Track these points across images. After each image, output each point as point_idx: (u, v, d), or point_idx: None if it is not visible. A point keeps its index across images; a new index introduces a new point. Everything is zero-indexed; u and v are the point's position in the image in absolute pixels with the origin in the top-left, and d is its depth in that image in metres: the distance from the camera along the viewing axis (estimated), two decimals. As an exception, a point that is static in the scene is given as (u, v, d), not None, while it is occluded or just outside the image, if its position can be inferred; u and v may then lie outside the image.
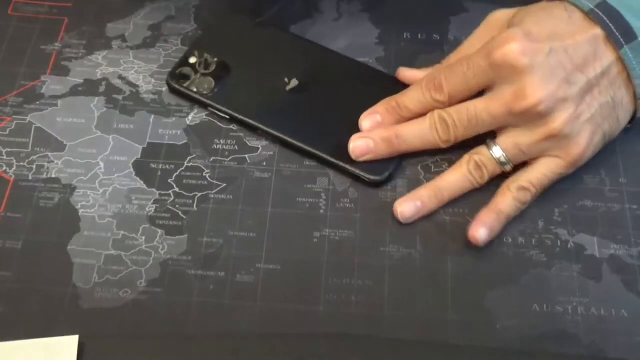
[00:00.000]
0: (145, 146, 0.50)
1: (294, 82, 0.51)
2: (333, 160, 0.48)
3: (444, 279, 0.45)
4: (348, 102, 0.50)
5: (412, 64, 0.52)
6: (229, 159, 0.49)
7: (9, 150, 0.49)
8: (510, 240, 0.46)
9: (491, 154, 0.46)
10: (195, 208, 0.47)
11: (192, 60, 0.52)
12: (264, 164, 0.49)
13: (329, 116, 0.50)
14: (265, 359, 0.42)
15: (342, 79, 0.52)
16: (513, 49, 0.44)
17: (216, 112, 0.50)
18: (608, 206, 0.47)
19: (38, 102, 0.51)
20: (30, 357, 0.41)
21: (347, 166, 0.48)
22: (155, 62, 0.53)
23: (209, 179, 0.48)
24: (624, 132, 0.50)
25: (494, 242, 0.46)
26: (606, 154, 0.49)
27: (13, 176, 0.48)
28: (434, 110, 0.47)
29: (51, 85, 0.52)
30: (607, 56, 0.45)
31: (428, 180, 0.48)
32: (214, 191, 0.48)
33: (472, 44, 0.48)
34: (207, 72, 0.52)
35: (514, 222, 0.47)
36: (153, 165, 0.49)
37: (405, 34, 0.55)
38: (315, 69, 0.52)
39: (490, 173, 0.47)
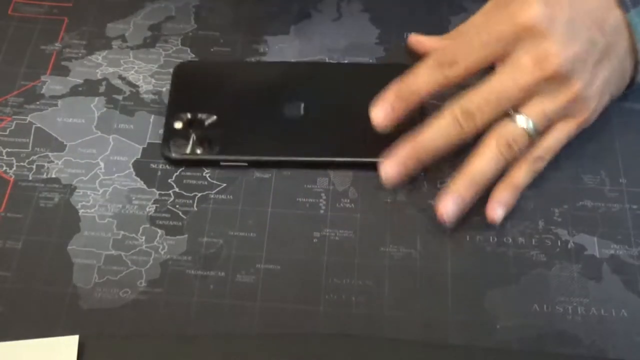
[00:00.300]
0: (145, 146, 0.50)
1: (288, 106, 0.50)
2: (367, 160, 0.48)
3: (444, 279, 0.45)
4: (351, 102, 0.50)
5: (412, 64, 0.52)
6: (229, 159, 0.49)
7: (9, 150, 0.49)
8: (510, 240, 0.46)
9: (520, 127, 0.44)
10: (195, 208, 0.47)
11: (178, 125, 0.49)
12: (264, 164, 0.49)
13: (340, 123, 0.50)
14: (265, 359, 0.42)
15: (333, 85, 0.52)
16: (535, 12, 0.43)
17: (231, 164, 0.48)
18: (608, 206, 0.47)
19: (38, 102, 0.51)
20: (30, 357, 0.41)
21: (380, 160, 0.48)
22: (155, 62, 0.53)
23: (209, 179, 0.48)
24: (624, 131, 0.50)
25: (494, 242, 0.46)
26: (606, 154, 0.49)
27: (13, 176, 0.48)
28: (451, 104, 0.45)
29: (51, 85, 0.52)
30: (619, 20, 0.45)
31: (429, 180, 0.48)
32: (214, 191, 0.48)
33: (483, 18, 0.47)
34: (199, 129, 0.49)
35: (514, 222, 0.47)
36: (153, 165, 0.49)
37: (405, 34, 0.55)
38: (301, 85, 0.52)
39: (520, 148, 0.45)
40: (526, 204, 0.47)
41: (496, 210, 0.45)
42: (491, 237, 0.46)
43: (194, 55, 0.54)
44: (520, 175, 0.46)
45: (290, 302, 0.44)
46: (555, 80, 0.44)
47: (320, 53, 0.54)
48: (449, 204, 0.45)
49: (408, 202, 0.47)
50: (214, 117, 0.49)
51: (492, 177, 0.45)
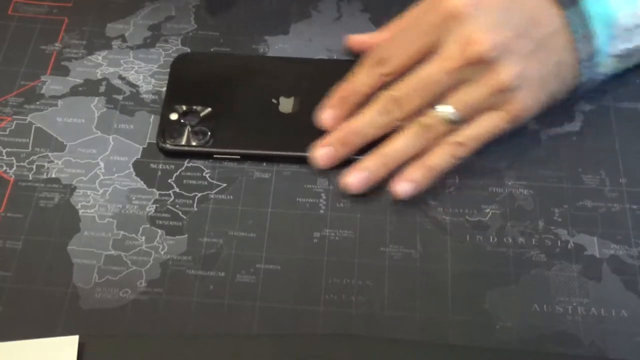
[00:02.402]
0: (145, 146, 0.50)
1: (283, 101, 0.51)
2: (361, 156, 0.48)
3: (444, 279, 0.45)
4: None
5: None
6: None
7: (9, 150, 0.49)
8: (510, 240, 0.46)
9: (440, 115, 0.46)
10: (195, 208, 0.47)
11: (174, 116, 0.50)
12: (264, 164, 0.49)
13: None
14: (265, 359, 0.42)
15: (329, 81, 0.51)
16: None
17: (224, 156, 0.49)
18: (608, 206, 0.47)
19: (38, 102, 0.51)
20: (30, 357, 0.41)
21: None
22: (155, 62, 0.53)
23: (209, 179, 0.48)
24: (624, 131, 0.50)
25: (494, 242, 0.46)
26: (606, 154, 0.49)
27: (13, 176, 0.48)
28: (381, 92, 0.47)
29: (51, 85, 0.52)
30: (558, 18, 0.46)
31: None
32: (214, 191, 0.48)
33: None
34: (194, 121, 0.49)
35: (514, 222, 0.47)
36: (153, 165, 0.49)
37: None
38: (297, 80, 0.52)
39: (439, 134, 0.46)
40: (526, 204, 0.47)
41: (398, 185, 0.46)
42: (491, 237, 0.46)
43: (194, 55, 0.54)
44: (435, 156, 0.46)
45: (290, 302, 0.44)
46: (479, 66, 0.44)
47: (320, 53, 0.54)
48: (355, 177, 0.47)
49: (408, 202, 0.47)
50: (210, 110, 0.50)
51: (406, 157, 0.47)
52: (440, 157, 0.46)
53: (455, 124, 0.46)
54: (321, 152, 0.48)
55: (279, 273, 0.45)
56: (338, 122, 0.48)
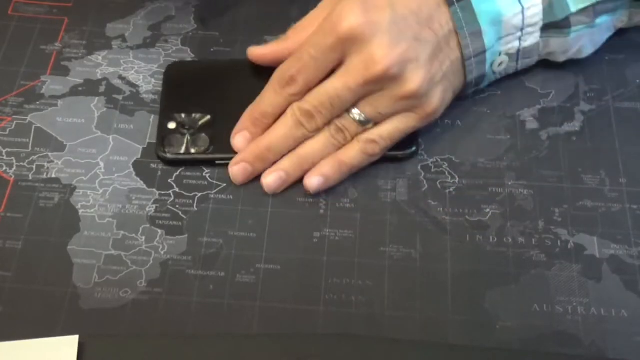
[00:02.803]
0: (145, 146, 0.50)
1: None
2: None
3: (444, 279, 0.45)
4: None
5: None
6: (229, 159, 0.49)
7: (9, 150, 0.49)
8: (510, 240, 0.46)
9: (351, 117, 0.46)
10: (195, 208, 0.47)
11: (172, 125, 0.49)
12: (264, 164, 0.49)
13: None
14: (265, 359, 0.42)
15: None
16: (354, 21, 0.44)
17: (226, 162, 0.48)
18: (608, 206, 0.47)
19: (38, 102, 0.51)
20: (30, 357, 0.41)
21: None
22: (155, 62, 0.53)
23: (209, 179, 0.48)
24: (624, 131, 0.50)
25: (494, 242, 0.46)
26: (606, 154, 0.49)
27: (13, 176, 0.48)
28: (291, 105, 0.47)
29: (51, 85, 0.52)
30: (447, 15, 0.46)
31: (428, 180, 0.48)
32: (214, 191, 0.48)
33: (312, 21, 0.49)
34: (194, 129, 0.49)
35: (514, 222, 0.47)
36: (153, 165, 0.49)
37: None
38: None
39: (352, 134, 0.47)
40: (526, 204, 0.47)
41: (311, 179, 0.47)
42: (491, 237, 0.46)
43: (194, 56, 0.54)
44: (348, 152, 0.47)
45: (290, 302, 0.44)
46: (386, 80, 0.45)
47: (320, 53, 0.54)
48: (272, 177, 0.47)
49: (408, 202, 0.48)
50: (208, 117, 0.50)
51: (320, 156, 0.47)
52: (352, 153, 0.47)
53: (365, 124, 0.47)
54: (237, 169, 0.48)
55: (279, 273, 0.45)
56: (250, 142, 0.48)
